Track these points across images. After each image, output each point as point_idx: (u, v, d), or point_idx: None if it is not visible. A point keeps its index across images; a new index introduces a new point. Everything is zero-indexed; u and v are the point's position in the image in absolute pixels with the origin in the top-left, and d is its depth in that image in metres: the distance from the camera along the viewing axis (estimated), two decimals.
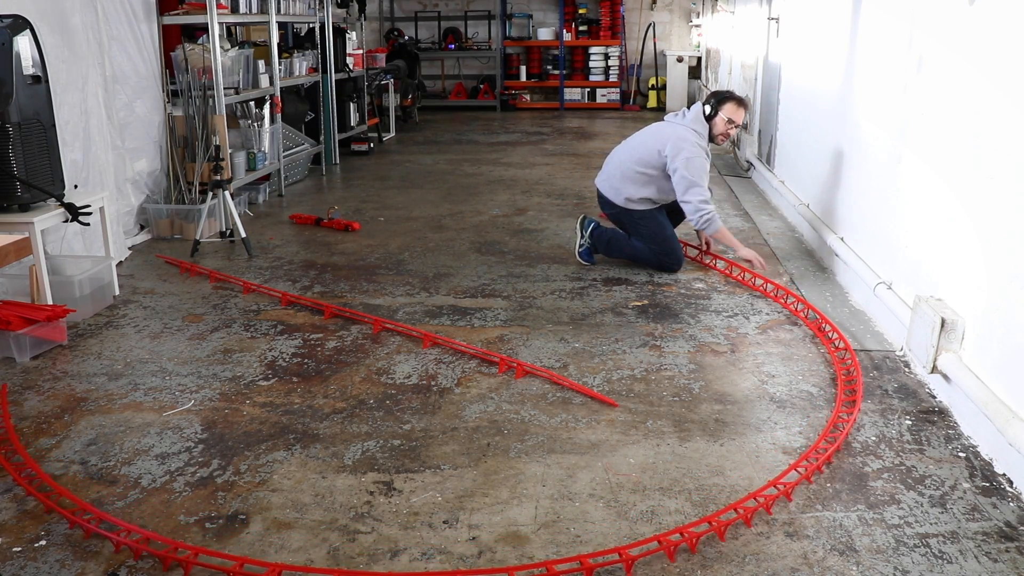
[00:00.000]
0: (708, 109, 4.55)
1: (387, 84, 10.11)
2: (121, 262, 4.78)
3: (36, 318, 3.48)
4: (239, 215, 5.70)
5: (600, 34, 12.74)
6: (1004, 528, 2.33)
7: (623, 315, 3.98)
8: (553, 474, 2.61)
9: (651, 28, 12.88)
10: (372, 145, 8.89)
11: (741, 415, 2.99)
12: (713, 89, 4.79)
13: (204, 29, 5.68)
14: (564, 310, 4.05)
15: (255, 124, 6.40)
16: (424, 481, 2.58)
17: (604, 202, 4.77)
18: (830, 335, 3.59)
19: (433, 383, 3.26)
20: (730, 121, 4.55)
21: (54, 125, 3.87)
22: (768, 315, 3.96)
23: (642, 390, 3.19)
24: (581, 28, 12.79)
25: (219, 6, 5.69)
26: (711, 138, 4.59)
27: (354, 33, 9.09)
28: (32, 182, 3.72)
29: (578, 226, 4.82)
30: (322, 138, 7.88)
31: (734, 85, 8.69)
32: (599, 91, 12.86)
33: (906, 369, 3.36)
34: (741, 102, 4.61)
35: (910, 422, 2.93)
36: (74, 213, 3.84)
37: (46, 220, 3.78)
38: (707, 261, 4.76)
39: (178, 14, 5.60)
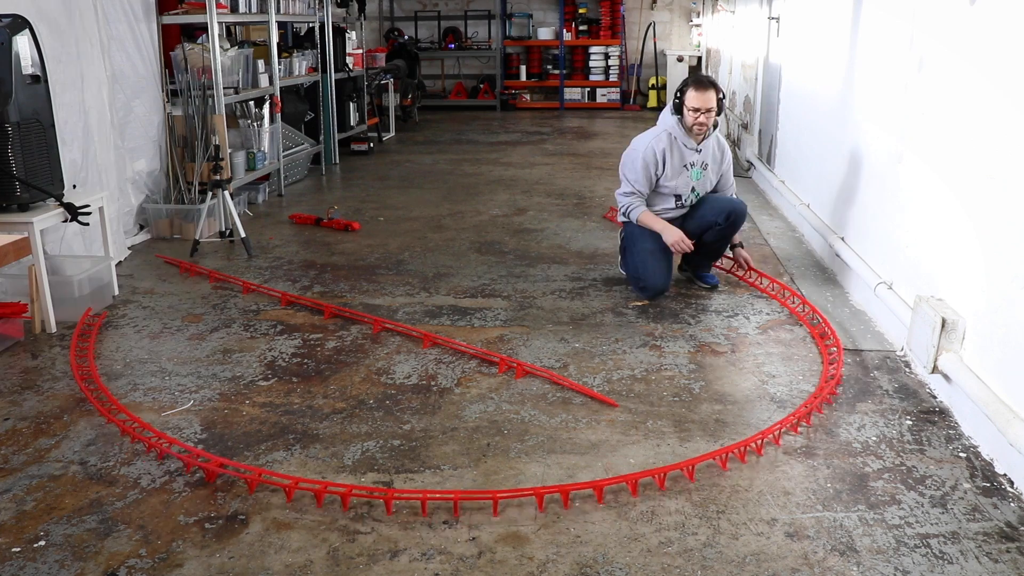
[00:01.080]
0: (674, 104, 4.15)
1: (387, 84, 10.11)
2: (120, 262, 4.78)
3: None
4: (239, 215, 5.70)
5: (600, 34, 12.73)
6: (1005, 528, 2.33)
7: (623, 315, 3.97)
8: (553, 474, 2.61)
9: (651, 28, 12.88)
10: (372, 145, 8.89)
11: (741, 415, 2.98)
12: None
13: (204, 29, 5.67)
14: (564, 310, 4.04)
15: (255, 124, 6.40)
16: (424, 481, 2.57)
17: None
18: (824, 334, 3.59)
19: (433, 383, 3.26)
20: (696, 109, 4.04)
21: (53, 125, 3.86)
22: (768, 315, 3.96)
23: (642, 390, 3.18)
24: (581, 28, 12.78)
25: (219, 6, 5.68)
26: (688, 132, 4.14)
27: (354, 33, 9.08)
28: (31, 182, 3.72)
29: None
30: (322, 138, 7.88)
31: (734, 85, 8.69)
32: (599, 91, 12.85)
33: (907, 369, 3.35)
34: (701, 84, 4.05)
35: (911, 422, 2.92)
36: (73, 213, 3.83)
37: (45, 220, 3.78)
38: (740, 273, 4.49)
39: (177, 14, 5.60)
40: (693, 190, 4.25)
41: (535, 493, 2.44)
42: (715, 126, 4.18)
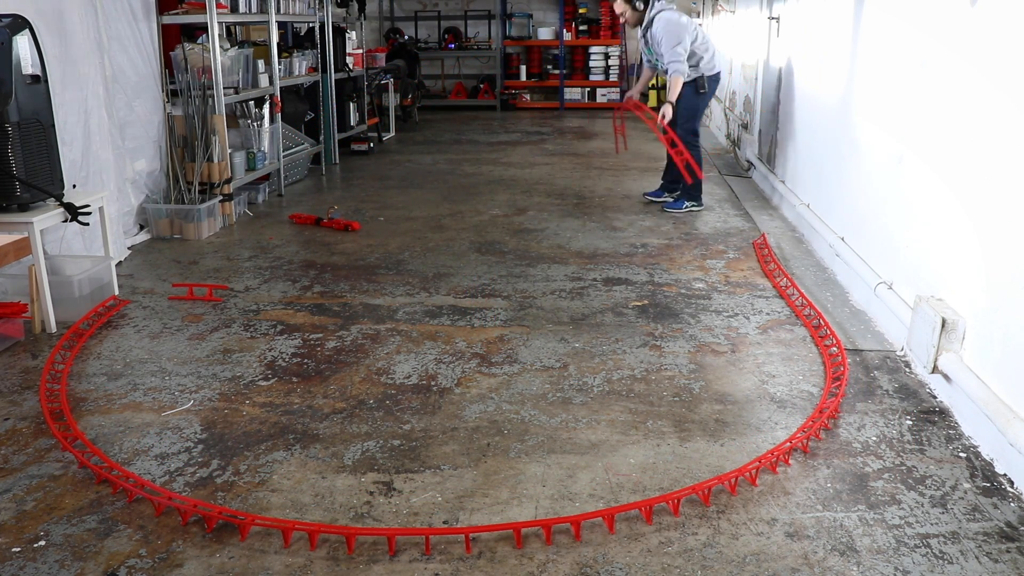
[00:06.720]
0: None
1: (387, 84, 10.11)
2: (120, 262, 4.78)
3: None
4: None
5: (600, 34, 12.73)
6: (1005, 528, 2.33)
7: (623, 315, 3.97)
8: (553, 474, 2.61)
9: None
10: (372, 145, 8.89)
11: (742, 415, 2.98)
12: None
13: (204, 28, 5.67)
14: (564, 310, 4.04)
15: (255, 124, 6.40)
16: (424, 481, 2.57)
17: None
18: (823, 333, 3.59)
19: (433, 383, 3.26)
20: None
21: (53, 125, 3.86)
22: (768, 315, 3.96)
23: (642, 390, 3.18)
24: (581, 28, 12.78)
25: (219, 5, 5.68)
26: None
27: (354, 33, 9.08)
28: (31, 182, 3.72)
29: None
30: (322, 138, 7.88)
31: (735, 84, 8.68)
32: (599, 91, 12.85)
33: (907, 369, 3.35)
34: None
35: (911, 422, 2.92)
36: (73, 213, 3.83)
37: (45, 220, 3.77)
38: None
39: (178, 13, 5.60)
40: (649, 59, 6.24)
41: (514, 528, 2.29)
42: (633, 9, 6.03)
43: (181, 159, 5.52)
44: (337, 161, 8.23)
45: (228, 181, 5.73)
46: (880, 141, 3.94)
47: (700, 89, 5.90)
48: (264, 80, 6.48)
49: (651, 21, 5.87)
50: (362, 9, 9.25)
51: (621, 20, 6.04)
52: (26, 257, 3.68)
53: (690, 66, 5.85)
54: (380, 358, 3.50)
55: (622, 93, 12.81)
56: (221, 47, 5.67)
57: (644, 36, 6.00)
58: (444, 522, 2.37)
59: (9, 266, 3.75)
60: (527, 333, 3.75)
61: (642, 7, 5.92)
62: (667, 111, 5.82)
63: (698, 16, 12.47)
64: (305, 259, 4.96)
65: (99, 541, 2.29)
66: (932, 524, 2.34)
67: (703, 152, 6.30)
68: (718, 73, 6.04)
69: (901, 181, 3.64)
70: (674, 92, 5.83)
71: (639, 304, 4.12)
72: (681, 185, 6.11)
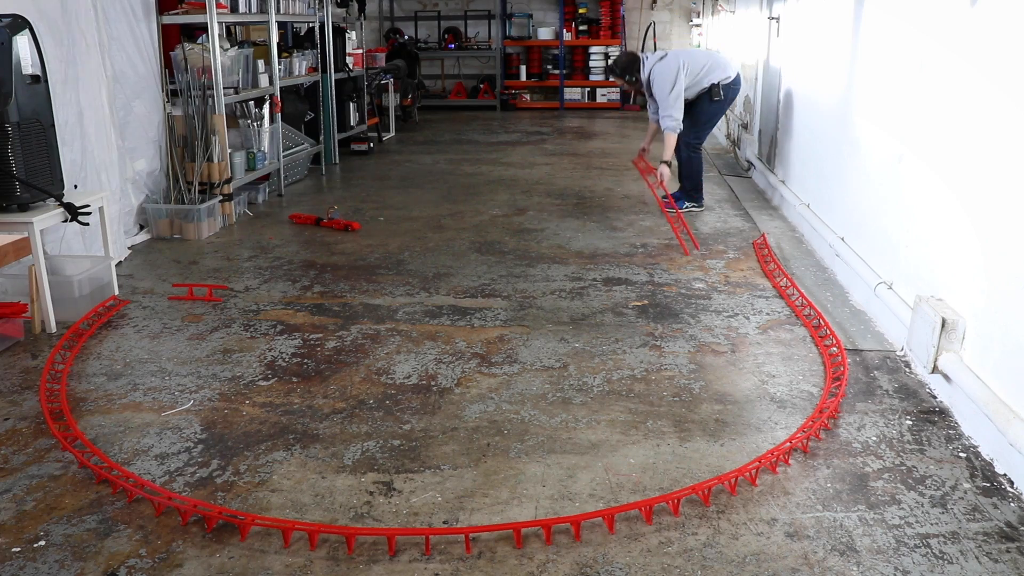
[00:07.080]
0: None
1: (387, 84, 10.11)
2: (120, 262, 4.78)
3: None
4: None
5: (600, 34, 12.73)
6: (1005, 528, 2.33)
7: (623, 315, 3.97)
8: (553, 474, 2.61)
9: (651, 28, 12.87)
10: (372, 145, 8.89)
11: (742, 415, 2.98)
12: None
13: (204, 28, 5.67)
14: (564, 310, 4.04)
15: (255, 124, 6.40)
16: (424, 481, 2.57)
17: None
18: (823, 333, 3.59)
19: (433, 383, 3.26)
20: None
21: (53, 125, 3.86)
22: (768, 315, 3.96)
23: (642, 390, 3.18)
24: (581, 28, 12.78)
25: (219, 5, 5.68)
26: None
27: (354, 33, 9.08)
28: (31, 182, 3.72)
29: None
30: (322, 138, 7.87)
31: None
32: (599, 91, 12.85)
33: (907, 369, 3.35)
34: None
35: (911, 422, 2.92)
36: (73, 213, 3.83)
37: (45, 220, 3.77)
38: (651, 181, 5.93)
39: (177, 13, 5.60)
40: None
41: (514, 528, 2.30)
42: (629, 84, 6.08)
43: (181, 159, 5.52)
44: (337, 161, 8.23)
45: (228, 181, 5.73)
46: (880, 141, 3.95)
47: (715, 97, 5.85)
48: (264, 80, 6.48)
49: (649, 81, 5.85)
50: (362, 9, 9.25)
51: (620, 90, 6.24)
52: (26, 257, 3.68)
53: (701, 89, 5.84)
54: (380, 358, 3.50)
55: (622, 93, 12.83)
56: (221, 47, 5.67)
57: (650, 96, 5.95)
58: (444, 522, 2.37)
59: (9, 266, 3.75)
60: (527, 333, 3.75)
61: (637, 76, 5.90)
62: (664, 172, 5.75)
63: (698, 16, 12.49)
64: (305, 259, 4.95)
65: (99, 541, 2.29)
66: (932, 524, 2.34)
67: (704, 156, 6.33)
68: (736, 78, 5.94)
69: (901, 181, 3.64)
70: (668, 151, 5.78)
71: (639, 304, 4.12)
72: (681, 185, 6.15)
